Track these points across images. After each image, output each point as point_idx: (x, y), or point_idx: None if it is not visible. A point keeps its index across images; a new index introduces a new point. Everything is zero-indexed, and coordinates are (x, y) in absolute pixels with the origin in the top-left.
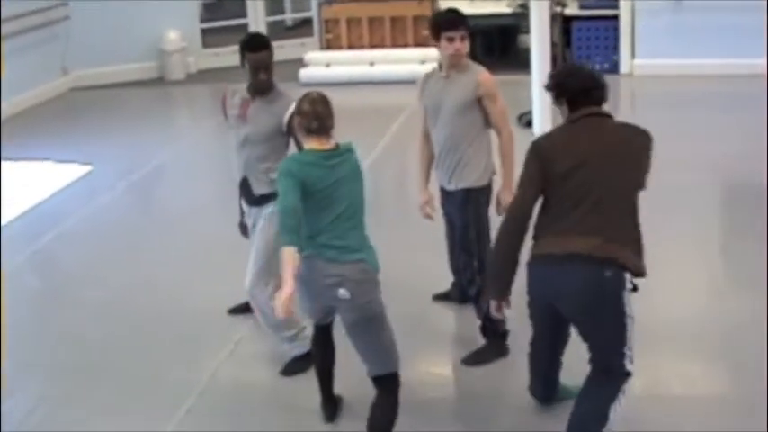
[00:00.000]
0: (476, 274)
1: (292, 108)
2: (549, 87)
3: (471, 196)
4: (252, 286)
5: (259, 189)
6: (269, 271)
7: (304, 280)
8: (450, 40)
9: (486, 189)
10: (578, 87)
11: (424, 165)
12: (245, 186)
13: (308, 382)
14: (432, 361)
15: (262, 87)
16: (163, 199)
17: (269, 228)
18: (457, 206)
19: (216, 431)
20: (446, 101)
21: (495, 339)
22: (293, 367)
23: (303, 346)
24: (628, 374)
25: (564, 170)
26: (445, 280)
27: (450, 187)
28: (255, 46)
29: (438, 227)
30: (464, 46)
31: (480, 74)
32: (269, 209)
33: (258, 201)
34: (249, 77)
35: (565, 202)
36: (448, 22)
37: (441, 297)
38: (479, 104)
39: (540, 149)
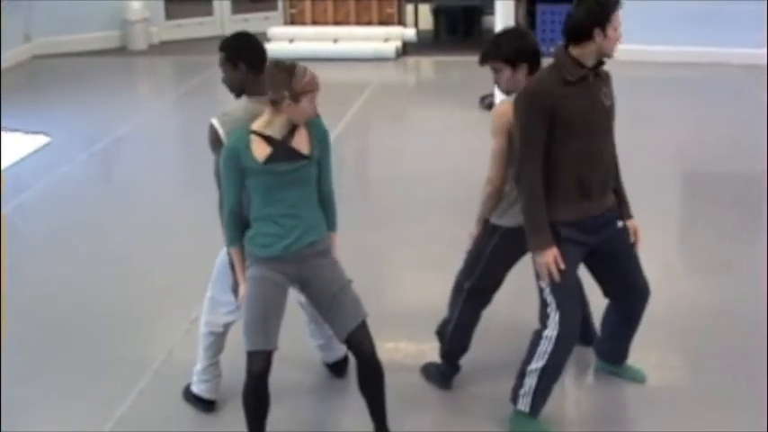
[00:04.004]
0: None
1: None
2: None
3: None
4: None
5: None
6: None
7: None
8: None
9: (494, 227)
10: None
11: None
12: None
13: None
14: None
15: None
16: (124, 171)
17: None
18: None
19: (168, 414)
20: None
21: (445, 367)
22: (193, 401)
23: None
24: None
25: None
26: (399, 257)
27: None
28: None
29: (396, 205)
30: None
31: (498, 106)
32: None
33: None
34: None
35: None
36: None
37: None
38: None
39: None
